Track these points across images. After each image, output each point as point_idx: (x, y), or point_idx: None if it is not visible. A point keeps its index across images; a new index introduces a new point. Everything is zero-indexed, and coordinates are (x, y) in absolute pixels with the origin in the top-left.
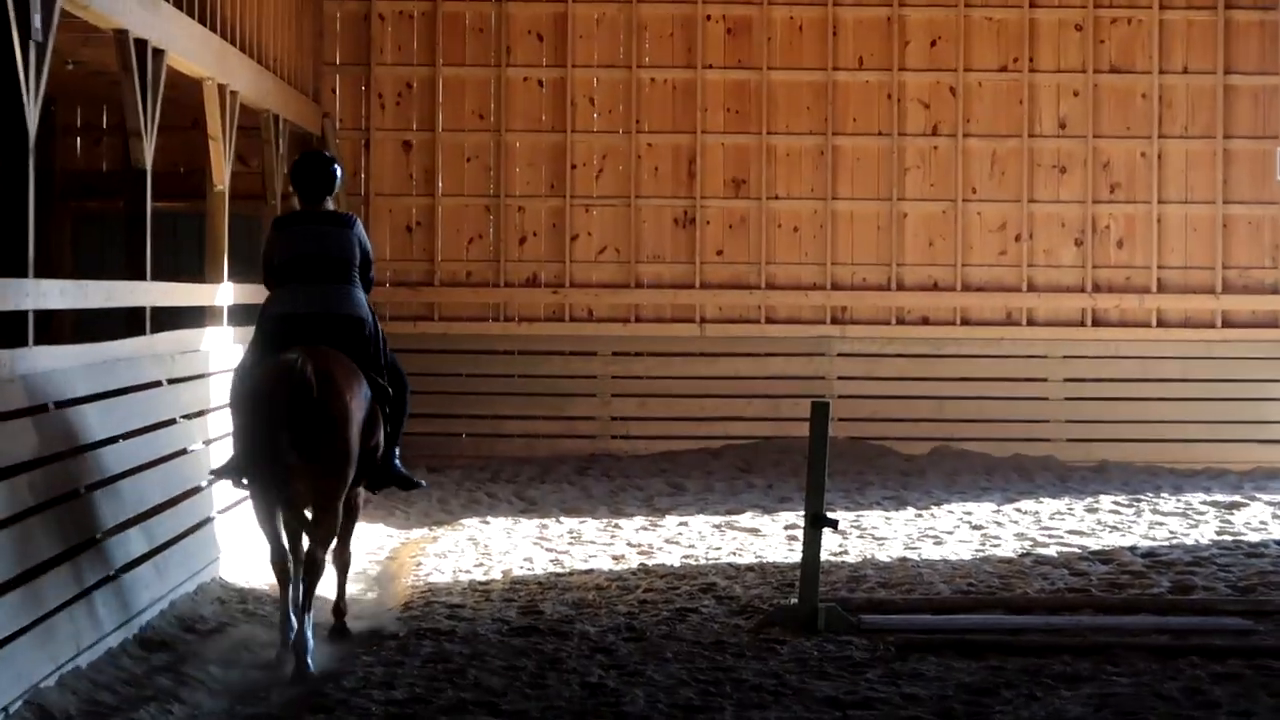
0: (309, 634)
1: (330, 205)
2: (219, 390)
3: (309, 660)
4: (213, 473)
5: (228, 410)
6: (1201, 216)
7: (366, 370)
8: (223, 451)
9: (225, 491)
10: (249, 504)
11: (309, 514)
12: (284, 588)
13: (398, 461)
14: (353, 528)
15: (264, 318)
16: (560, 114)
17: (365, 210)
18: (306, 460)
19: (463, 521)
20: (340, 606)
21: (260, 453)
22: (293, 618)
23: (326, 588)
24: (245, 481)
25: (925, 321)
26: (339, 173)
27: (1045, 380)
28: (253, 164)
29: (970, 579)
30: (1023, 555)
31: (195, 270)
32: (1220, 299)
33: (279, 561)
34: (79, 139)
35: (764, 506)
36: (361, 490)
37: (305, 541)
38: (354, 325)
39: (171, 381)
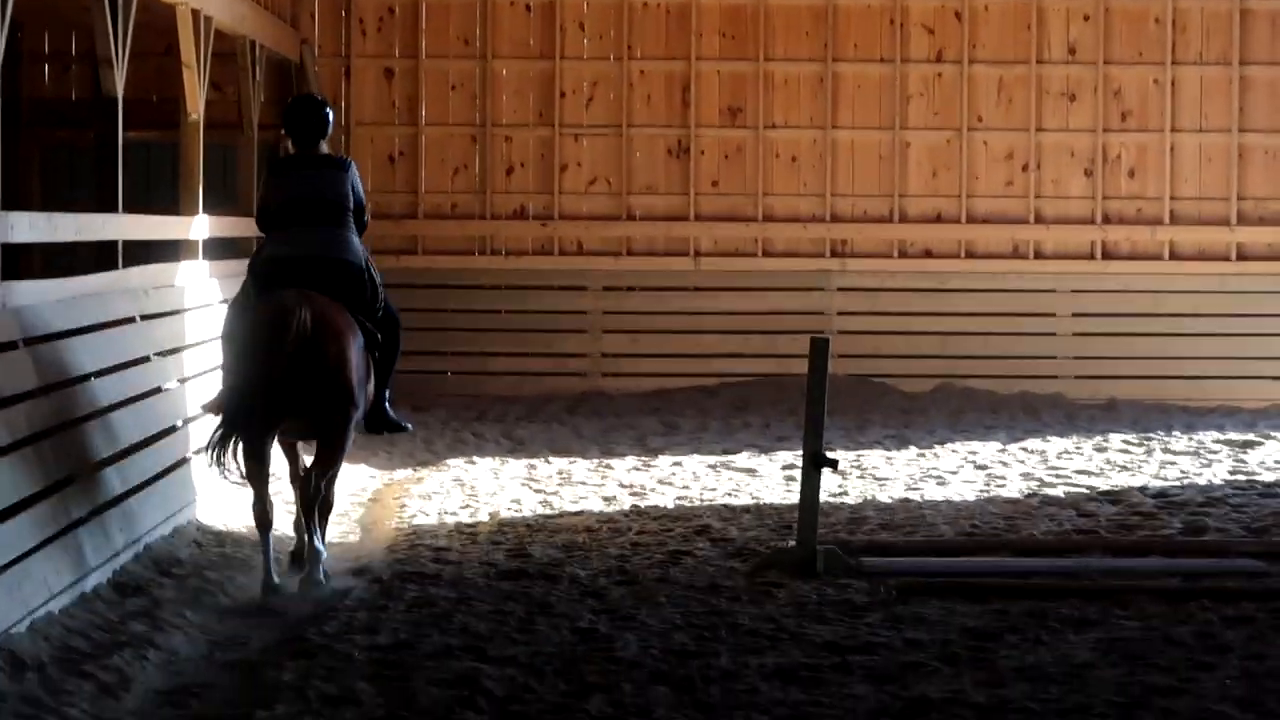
0: (320, 546)
1: (324, 148)
2: (195, 326)
3: (320, 571)
4: (203, 407)
5: (220, 346)
6: (1216, 146)
7: (358, 315)
8: (208, 387)
9: (202, 431)
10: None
11: (304, 455)
12: (264, 534)
13: (388, 405)
14: (338, 472)
15: (259, 259)
16: (549, 39)
17: (346, 140)
18: (307, 402)
19: (448, 462)
20: (316, 548)
21: (257, 394)
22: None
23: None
24: (234, 420)
25: (929, 254)
26: (331, 115)
27: (1053, 315)
28: (228, 92)
29: (974, 520)
30: (1029, 496)
31: (169, 202)
32: (1235, 231)
33: (260, 507)
34: (47, 66)
35: (761, 446)
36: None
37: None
38: (348, 269)
39: (145, 317)
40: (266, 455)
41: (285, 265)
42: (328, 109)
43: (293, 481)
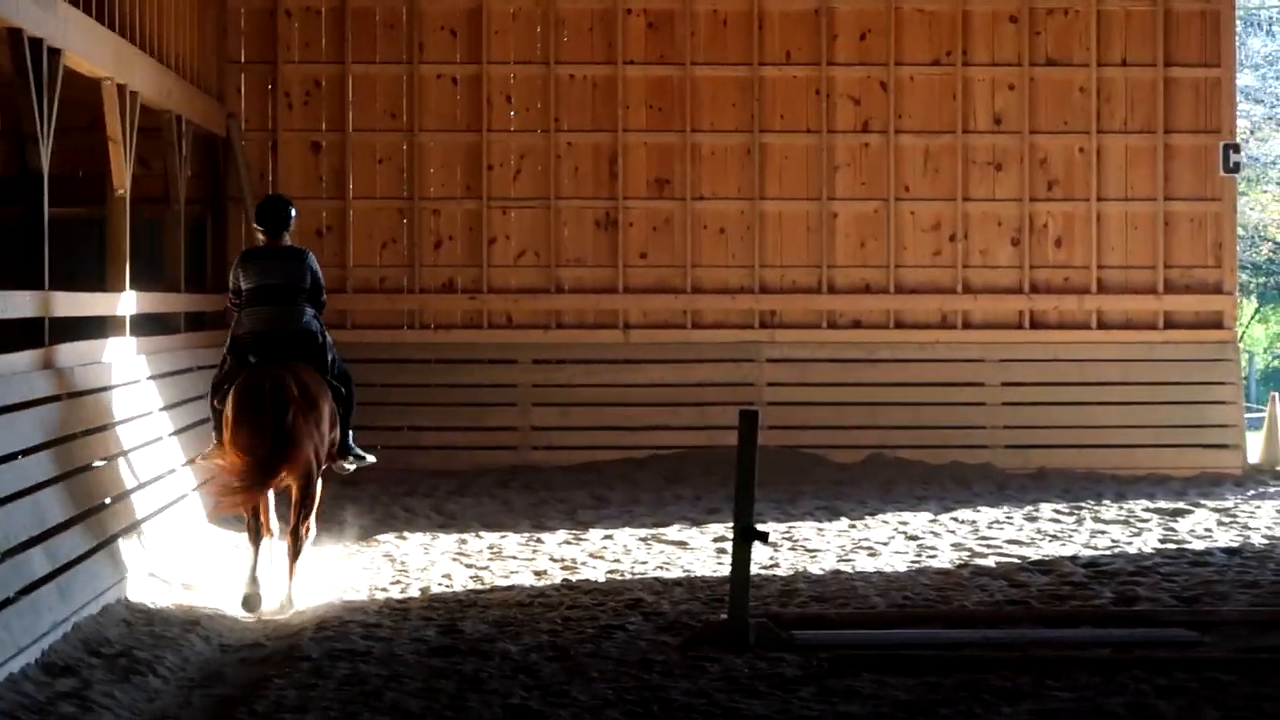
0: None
1: (287, 240)
2: (122, 402)
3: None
4: (201, 458)
5: (208, 405)
6: (1142, 214)
7: (323, 374)
8: (138, 463)
9: (129, 509)
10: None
11: (290, 494)
12: (255, 547)
13: (350, 441)
14: (313, 509)
15: (237, 334)
16: (476, 113)
17: None
18: (290, 458)
19: (378, 537)
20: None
21: (253, 450)
22: (257, 573)
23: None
24: (255, 481)
25: (857, 325)
26: (294, 213)
27: (982, 385)
28: (155, 166)
29: (906, 592)
30: (960, 566)
31: (95, 278)
32: (1162, 299)
33: (254, 530)
34: None
35: (692, 519)
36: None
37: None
38: (308, 338)
39: (71, 395)
40: (260, 494)
41: (259, 338)
42: (291, 207)
43: (260, 533)
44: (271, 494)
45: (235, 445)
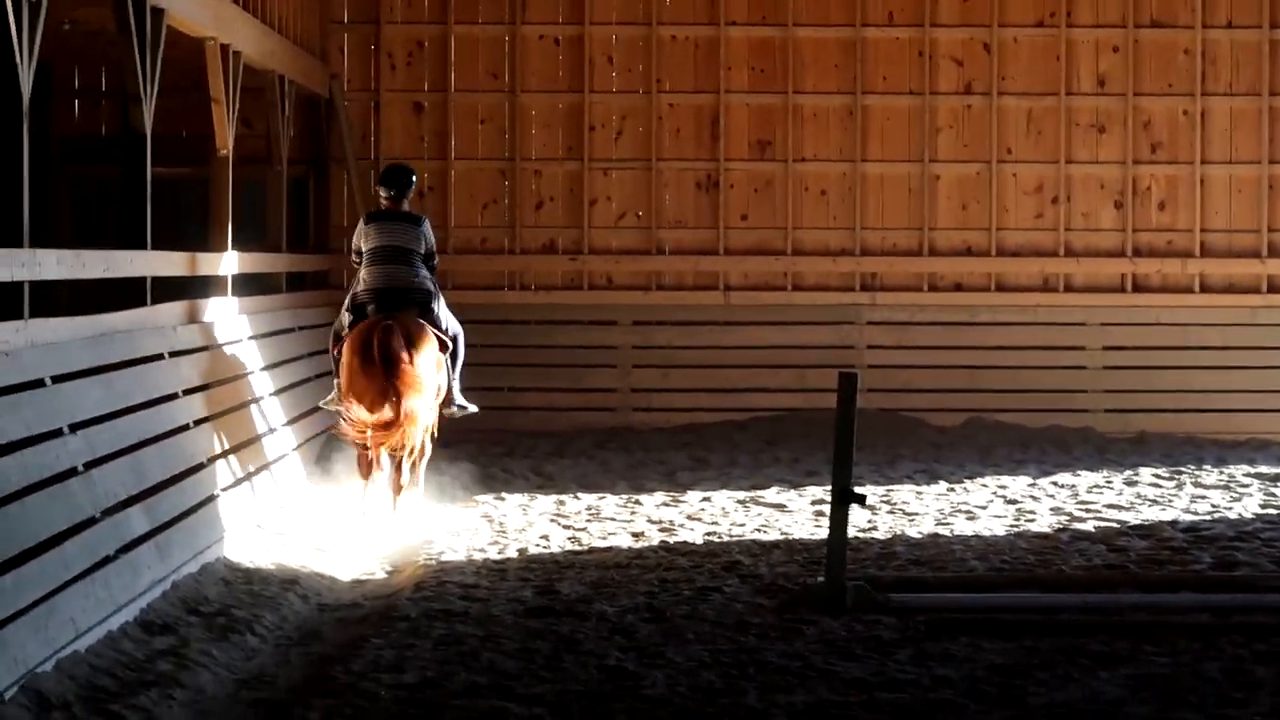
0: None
1: (406, 205)
2: (223, 362)
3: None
4: (323, 404)
5: (331, 354)
6: (1246, 177)
7: (432, 326)
8: (238, 423)
9: (230, 468)
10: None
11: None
12: (366, 479)
13: (458, 393)
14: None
15: (357, 290)
16: (577, 73)
17: (375, 175)
18: (398, 394)
19: (477, 498)
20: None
21: (364, 392)
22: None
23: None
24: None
25: (958, 288)
26: (414, 179)
27: (1083, 349)
28: (258, 127)
29: (1004, 555)
30: (1059, 530)
31: (198, 238)
32: (1266, 263)
33: (366, 465)
34: (77, 102)
35: (790, 481)
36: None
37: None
38: (421, 294)
39: (173, 354)
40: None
41: (378, 294)
42: (413, 175)
43: (371, 469)
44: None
45: (351, 389)
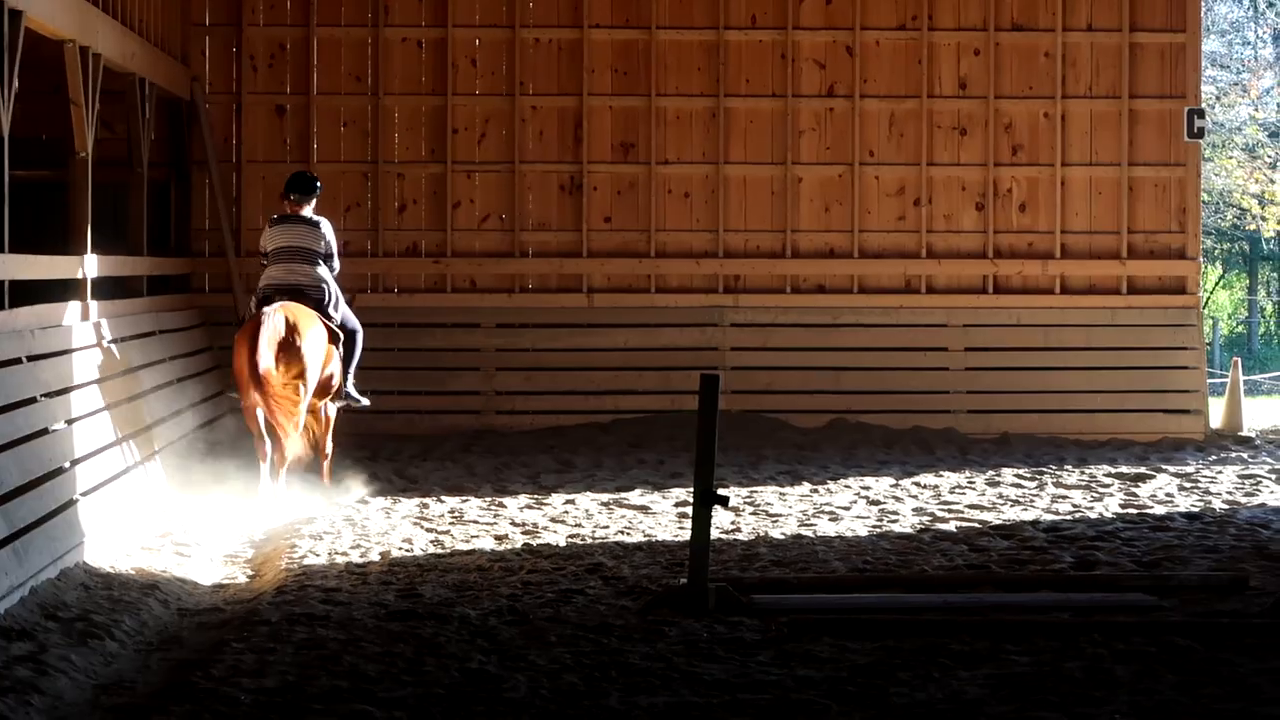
0: (282, 484)
1: (308, 210)
2: (83, 366)
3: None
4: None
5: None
6: (1106, 179)
7: (323, 317)
8: (97, 427)
9: (89, 473)
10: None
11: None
12: (262, 456)
13: (350, 385)
14: (329, 432)
15: (260, 285)
16: (440, 76)
17: (237, 178)
18: (283, 374)
19: (340, 501)
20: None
21: (251, 371)
22: (268, 477)
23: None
24: (237, 394)
25: (821, 289)
26: (319, 186)
27: (945, 350)
28: (118, 130)
29: (867, 556)
30: (921, 531)
31: (57, 242)
32: (1126, 264)
33: (260, 442)
34: None
35: (654, 483)
36: (328, 403)
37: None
38: (315, 290)
39: (32, 359)
40: (260, 411)
41: (278, 288)
42: (317, 182)
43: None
44: (264, 415)
45: (235, 365)
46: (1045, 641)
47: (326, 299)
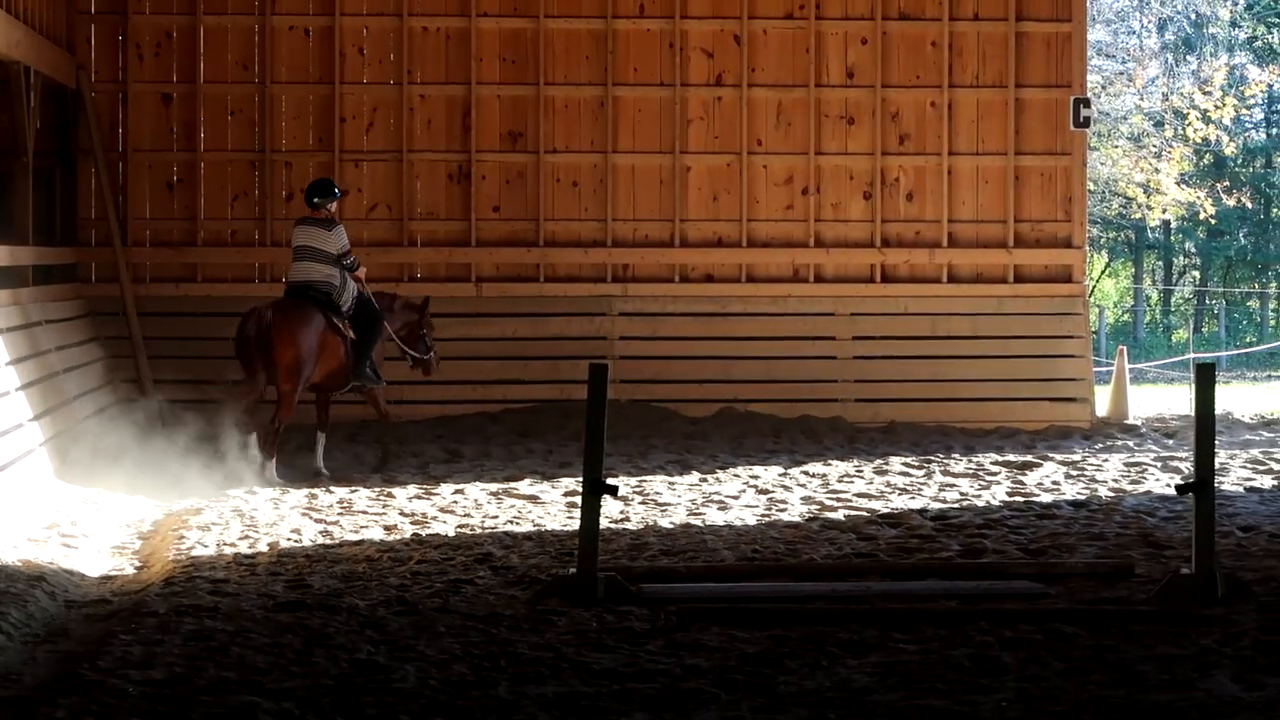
0: (273, 466)
1: (326, 212)
2: None
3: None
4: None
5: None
6: (993, 168)
7: (329, 312)
8: None
9: None
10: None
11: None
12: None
13: (366, 368)
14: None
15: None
16: (328, 65)
17: (123, 167)
18: (270, 366)
19: (228, 492)
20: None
21: (244, 361)
22: (262, 457)
23: None
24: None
25: (710, 279)
26: (338, 192)
27: (833, 339)
28: (2, 119)
29: (756, 545)
30: (810, 520)
31: None
32: (1012, 253)
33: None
34: None
35: (544, 473)
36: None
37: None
38: (324, 285)
39: None
40: (253, 397)
41: (292, 285)
42: (333, 187)
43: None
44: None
45: (236, 350)
46: (933, 629)
47: (335, 295)
